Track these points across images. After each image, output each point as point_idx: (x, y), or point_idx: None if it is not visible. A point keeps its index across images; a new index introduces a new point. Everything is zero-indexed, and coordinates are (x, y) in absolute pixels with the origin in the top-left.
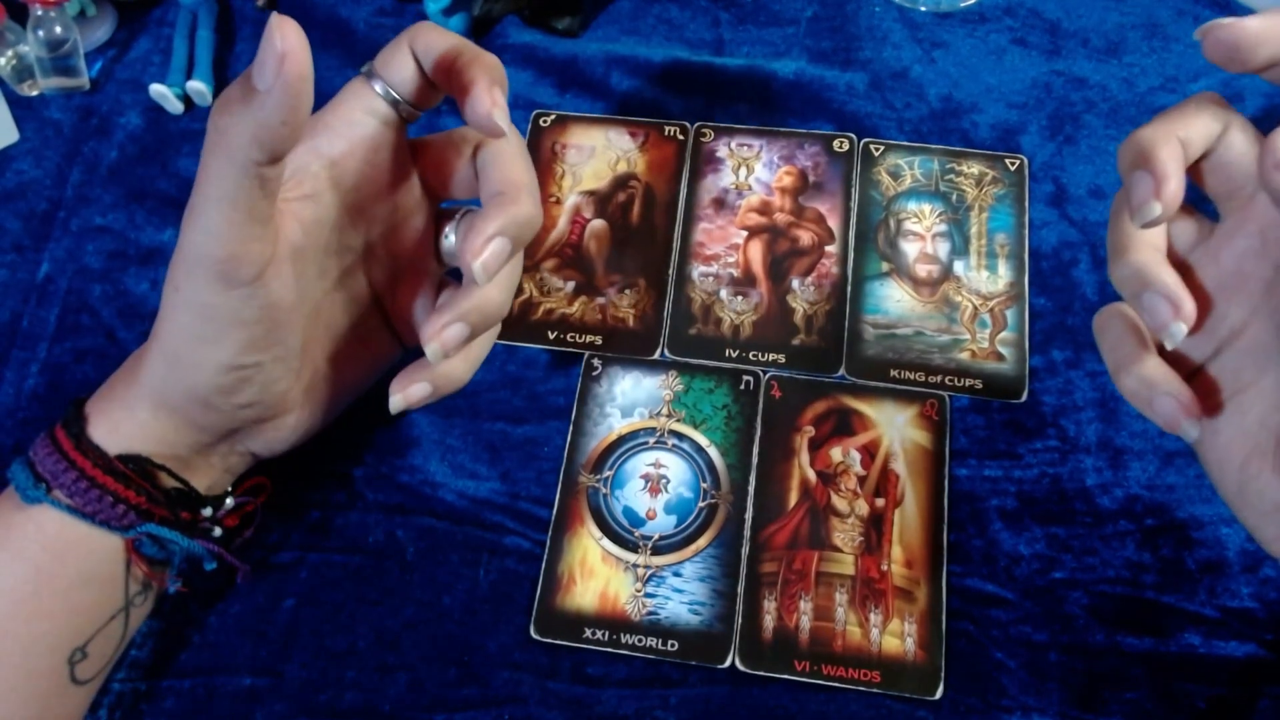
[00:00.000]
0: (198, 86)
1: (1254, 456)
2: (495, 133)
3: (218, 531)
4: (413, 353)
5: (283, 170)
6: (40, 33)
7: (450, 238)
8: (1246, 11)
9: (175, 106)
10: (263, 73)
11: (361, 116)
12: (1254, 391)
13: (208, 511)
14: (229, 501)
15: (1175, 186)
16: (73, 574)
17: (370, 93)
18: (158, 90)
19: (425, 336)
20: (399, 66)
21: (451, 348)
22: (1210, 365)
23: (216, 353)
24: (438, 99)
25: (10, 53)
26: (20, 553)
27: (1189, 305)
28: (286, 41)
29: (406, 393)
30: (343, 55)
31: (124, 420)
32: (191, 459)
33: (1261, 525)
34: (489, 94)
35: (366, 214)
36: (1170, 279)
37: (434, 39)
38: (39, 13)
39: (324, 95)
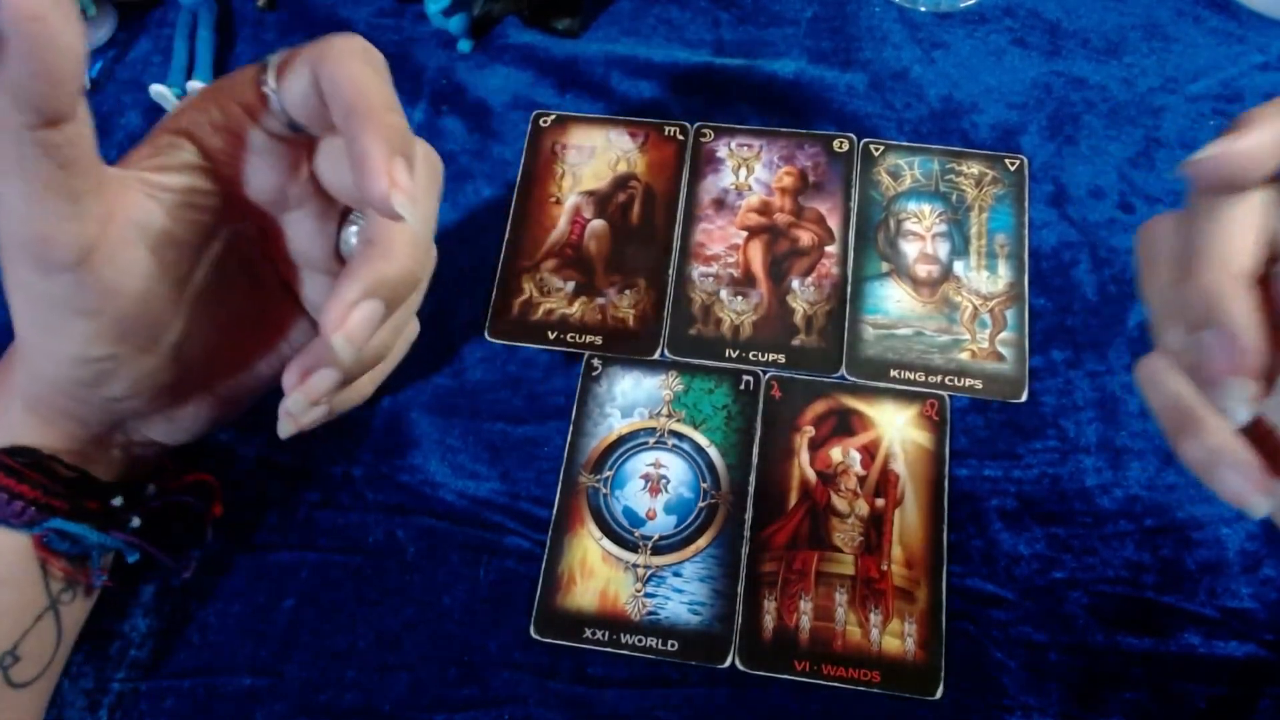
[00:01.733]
0: (198, 87)
1: None
2: (391, 217)
3: (135, 522)
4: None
5: (78, 136)
6: None
7: (351, 240)
8: (1246, 12)
9: (175, 106)
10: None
11: (240, 113)
12: None
13: (118, 501)
14: (150, 489)
15: (1256, 348)
16: None
17: (254, 89)
18: (158, 90)
19: (327, 325)
20: (293, 84)
21: (362, 336)
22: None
23: (63, 344)
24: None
25: None
26: None
27: (1257, 357)
28: None
29: (298, 419)
30: None
31: (3, 413)
32: (85, 450)
33: None
34: (387, 168)
35: (253, 207)
36: (1244, 318)
37: (340, 73)
38: None
39: None
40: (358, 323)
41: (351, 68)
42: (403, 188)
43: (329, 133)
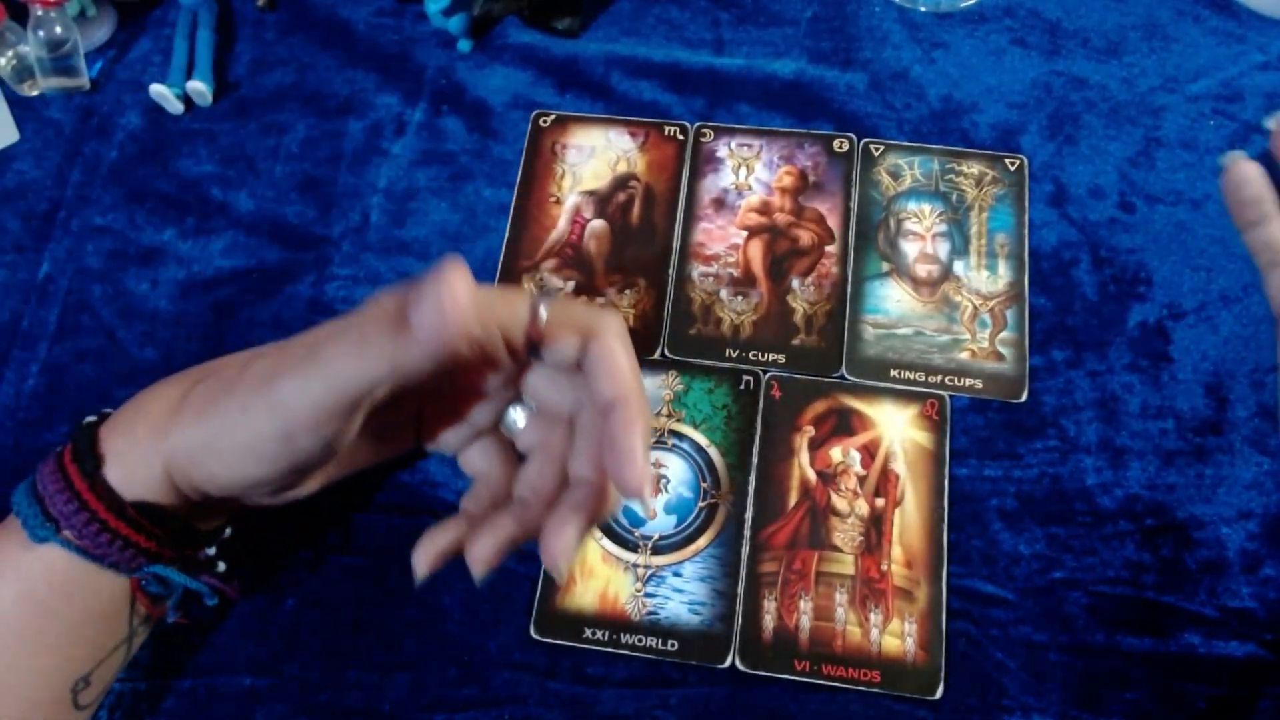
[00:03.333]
0: (198, 86)
1: None
2: (633, 498)
3: (222, 566)
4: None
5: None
6: (40, 33)
7: (515, 420)
8: (1246, 12)
9: (175, 106)
10: (418, 311)
11: (494, 332)
12: None
13: (211, 551)
14: (227, 532)
15: None
16: (80, 611)
17: (522, 314)
18: (158, 90)
19: (552, 558)
20: (562, 343)
21: (574, 554)
22: None
23: (258, 471)
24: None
25: (10, 53)
26: (28, 592)
27: None
28: (451, 295)
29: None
30: (343, 55)
31: (139, 469)
32: (195, 509)
33: None
34: (639, 455)
35: (444, 381)
36: None
37: (607, 342)
38: (39, 13)
39: (324, 95)
40: (569, 552)
41: (621, 358)
42: (647, 476)
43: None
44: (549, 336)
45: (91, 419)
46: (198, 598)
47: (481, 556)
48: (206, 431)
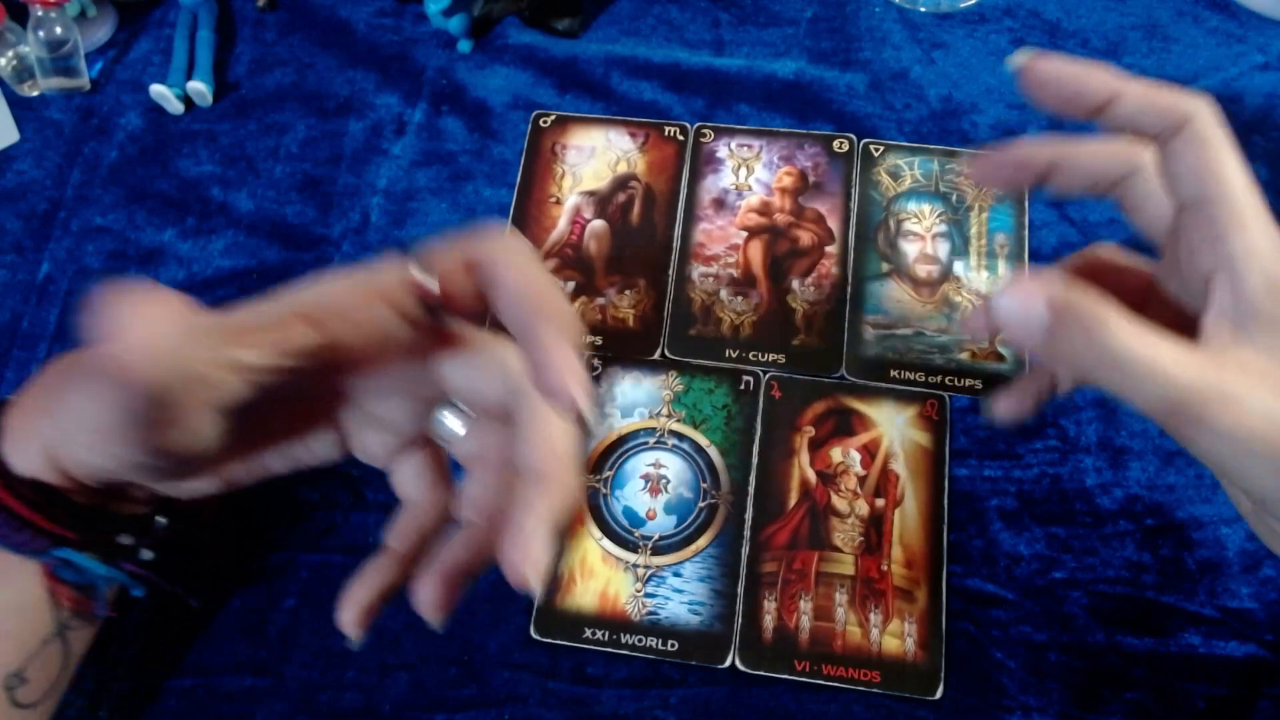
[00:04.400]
0: (198, 87)
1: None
2: (571, 410)
3: (146, 555)
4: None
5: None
6: (40, 33)
7: (445, 423)
8: (1246, 12)
9: (175, 107)
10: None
11: (384, 309)
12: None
13: (126, 539)
14: (160, 522)
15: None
16: None
17: (405, 287)
18: (158, 90)
19: (515, 573)
20: (455, 281)
21: (547, 561)
22: None
23: (101, 463)
24: (481, 309)
25: (10, 53)
26: None
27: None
28: (127, 332)
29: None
30: (343, 55)
31: (27, 445)
32: (95, 493)
33: None
34: (568, 367)
35: (348, 381)
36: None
37: (502, 265)
38: (39, 13)
39: (324, 95)
40: (541, 558)
41: (526, 273)
42: (584, 388)
43: (462, 309)
44: (445, 290)
45: (10, 397)
46: (124, 591)
47: (432, 600)
48: (60, 420)
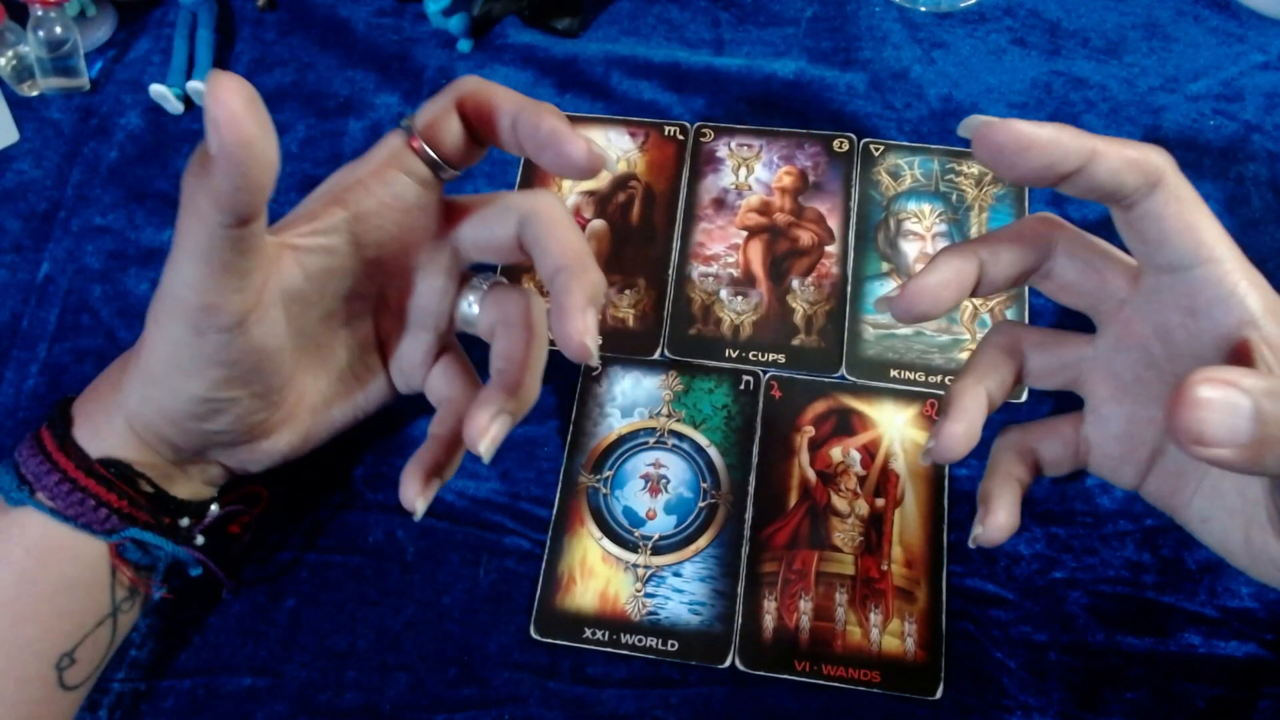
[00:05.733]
0: (198, 86)
1: (1253, 530)
2: (584, 359)
3: (200, 539)
4: (404, 399)
5: (259, 227)
6: (40, 33)
7: (472, 306)
8: (1246, 12)
9: (175, 107)
10: (209, 138)
11: (395, 174)
12: (1215, 474)
13: (185, 522)
14: (213, 509)
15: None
16: (57, 578)
17: (406, 152)
18: (158, 90)
19: (472, 436)
20: (443, 127)
21: (499, 439)
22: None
23: (192, 385)
24: (480, 156)
25: (10, 53)
26: (4, 556)
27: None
28: (222, 106)
29: (491, 435)
30: (343, 55)
31: (104, 425)
32: (168, 470)
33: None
34: (582, 316)
35: (385, 268)
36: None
37: (483, 96)
38: (39, 13)
39: (324, 95)
40: (497, 434)
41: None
42: (593, 338)
43: (464, 160)
44: (430, 138)
45: (70, 396)
46: (182, 572)
47: (479, 426)
48: (142, 367)
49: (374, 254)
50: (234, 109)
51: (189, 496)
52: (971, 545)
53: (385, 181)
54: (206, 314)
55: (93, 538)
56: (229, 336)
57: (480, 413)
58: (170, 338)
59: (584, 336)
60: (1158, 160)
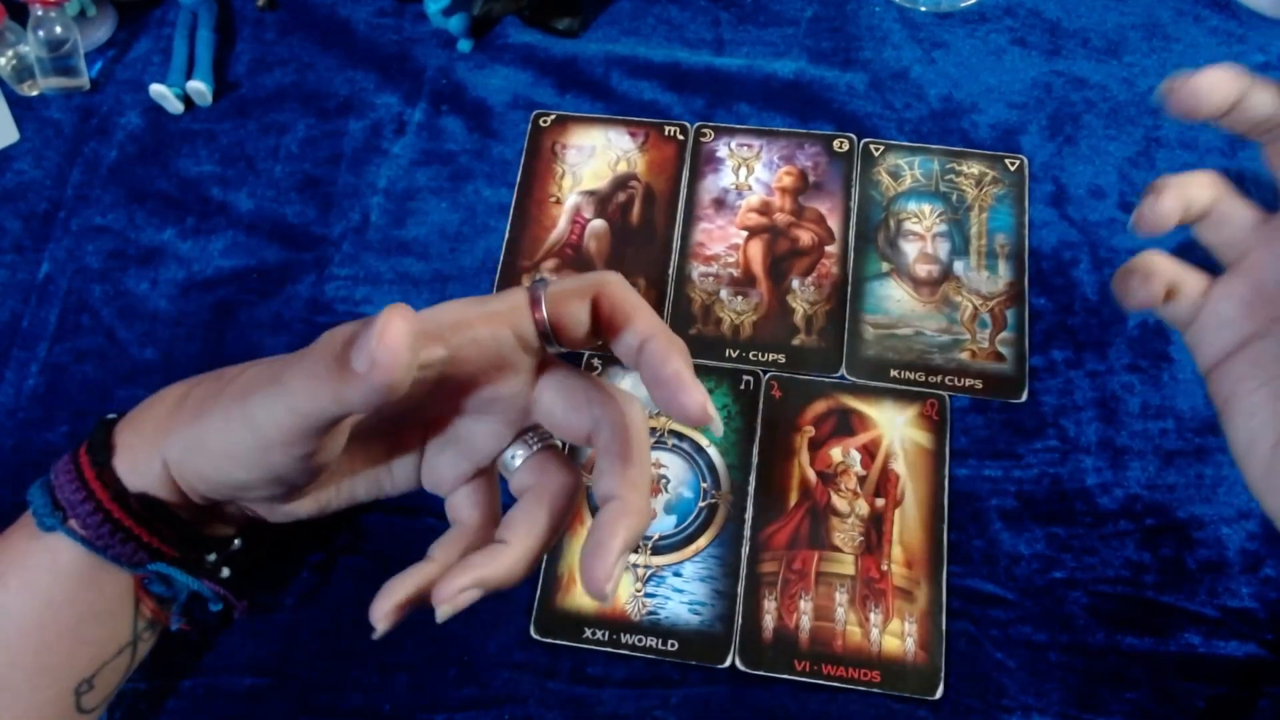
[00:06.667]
0: (198, 86)
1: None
2: (701, 423)
3: (226, 572)
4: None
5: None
6: (40, 33)
7: (515, 459)
8: (1246, 12)
9: (175, 106)
10: (359, 358)
11: (506, 331)
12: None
13: (212, 557)
14: (236, 543)
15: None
16: (83, 607)
17: (528, 313)
18: (158, 90)
19: (438, 597)
20: (571, 310)
21: (462, 607)
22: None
23: (238, 474)
24: (591, 347)
25: (10, 53)
26: (32, 583)
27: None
28: (386, 349)
29: (454, 603)
30: (343, 55)
31: (143, 462)
32: (197, 510)
33: None
34: (703, 398)
35: (456, 400)
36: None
37: (621, 303)
38: (39, 13)
39: (324, 95)
40: (460, 604)
41: (631, 298)
42: (709, 406)
43: (576, 344)
44: (555, 315)
45: (113, 416)
46: (202, 604)
47: (449, 594)
48: (196, 431)
49: (452, 391)
50: (397, 347)
51: (214, 533)
52: (1131, 227)
53: (495, 334)
54: (281, 450)
55: (120, 569)
56: (298, 457)
57: (456, 578)
58: (232, 434)
59: (703, 405)
60: None
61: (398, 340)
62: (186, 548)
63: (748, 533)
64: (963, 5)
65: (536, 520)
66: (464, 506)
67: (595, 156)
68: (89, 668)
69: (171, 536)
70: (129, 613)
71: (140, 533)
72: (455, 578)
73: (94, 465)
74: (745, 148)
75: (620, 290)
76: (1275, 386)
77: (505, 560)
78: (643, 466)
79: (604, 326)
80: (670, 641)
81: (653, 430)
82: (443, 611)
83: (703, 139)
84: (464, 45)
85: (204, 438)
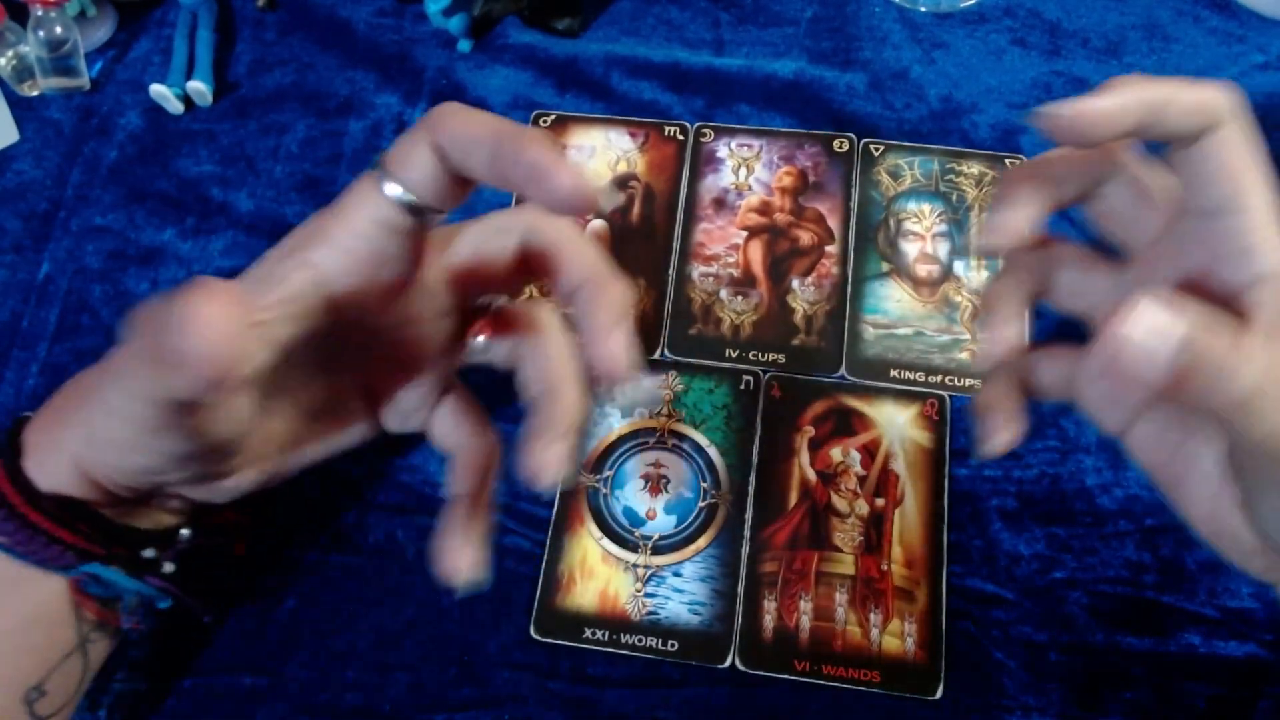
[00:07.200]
0: (198, 86)
1: (1220, 503)
2: (618, 381)
3: (169, 568)
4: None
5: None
6: (40, 33)
7: (480, 339)
8: (1246, 12)
9: (175, 106)
10: (170, 352)
11: (368, 227)
12: (1201, 436)
13: (150, 553)
14: (184, 534)
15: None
16: (18, 615)
17: (380, 198)
18: (158, 90)
19: (542, 474)
20: (415, 166)
21: (564, 468)
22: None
23: (138, 460)
24: (468, 193)
25: (10, 53)
26: None
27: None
28: (197, 322)
29: (560, 469)
30: (343, 55)
31: (49, 460)
32: (124, 505)
33: (1247, 562)
34: (614, 336)
35: (369, 319)
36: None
37: (458, 125)
38: (39, 13)
39: (324, 95)
40: (559, 466)
41: (574, 243)
42: (629, 359)
43: (446, 199)
44: (401, 177)
45: (27, 414)
46: (149, 603)
47: (552, 463)
48: (84, 422)
49: (350, 315)
50: (215, 345)
51: (152, 526)
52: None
53: (356, 235)
54: (161, 434)
55: (49, 574)
56: (183, 436)
57: (545, 449)
58: (111, 423)
59: (618, 359)
60: (1222, 103)
61: (213, 332)
62: (115, 545)
63: (748, 533)
64: (963, 5)
65: (554, 350)
66: (448, 430)
67: (595, 156)
68: (35, 674)
69: (95, 535)
70: (69, 617)
71: (62, 534)
72: (543, 449)
73: (6, 469)
74: (745, 148)
75: (449, 114)
76: (1186, 435)
77: (565, 398)
78: (588, 243)
79: (459, 163)
80: (670, 641)
81: (653, 430)
82: (550, 477)
83: (703, 139)
84: (464, 45)
85: (92, 429)
